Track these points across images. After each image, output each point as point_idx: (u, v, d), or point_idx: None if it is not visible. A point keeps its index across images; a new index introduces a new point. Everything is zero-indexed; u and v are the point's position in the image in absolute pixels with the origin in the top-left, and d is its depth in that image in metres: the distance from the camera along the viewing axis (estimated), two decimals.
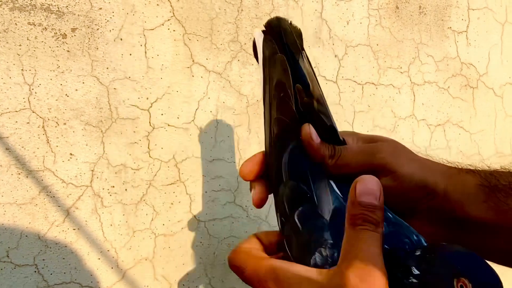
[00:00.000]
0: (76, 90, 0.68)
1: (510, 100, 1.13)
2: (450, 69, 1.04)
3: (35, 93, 0.65)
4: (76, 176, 0.68)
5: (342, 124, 0.90)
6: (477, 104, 1.07)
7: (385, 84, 0.95)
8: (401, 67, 0.97)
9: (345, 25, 0.90)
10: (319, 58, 0.87)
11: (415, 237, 0.34)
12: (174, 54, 0.75)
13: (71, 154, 0.67)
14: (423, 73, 1.00)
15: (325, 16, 0.88)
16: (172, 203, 0.75)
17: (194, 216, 0.76)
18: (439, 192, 0.38)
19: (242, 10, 0.80)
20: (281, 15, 0.83)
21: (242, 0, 0.80)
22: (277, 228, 0.40)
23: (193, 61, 0.76)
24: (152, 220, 0.73)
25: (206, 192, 0.77)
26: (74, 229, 0.67)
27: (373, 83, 0.93)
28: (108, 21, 0.70)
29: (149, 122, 0.73)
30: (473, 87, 1.07)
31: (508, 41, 1.13)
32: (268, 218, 0.83)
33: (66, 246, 0.66)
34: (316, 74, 0.87)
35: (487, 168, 0.39)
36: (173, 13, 0.75)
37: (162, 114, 0.74)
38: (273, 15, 0.83)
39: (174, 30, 0.75)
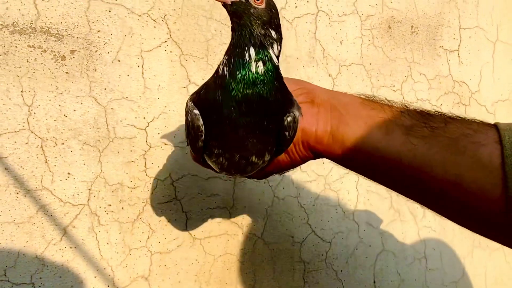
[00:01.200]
0: (75, 110, 0.69)
1: (502, 117, 1.15)
2: (443, 87, 1.06)
3: (34, 113, 0.66)
4: (73, 195, 0.69)
5: None
6: None
7: None
8: (394, 86, 0.99)
9: (338, 45, 0.92)
10: (313, 77, 0.89)
11: None
12: (171, 75, 0.77)
13: (68, 173, 0.68)
14: (415, 91, 1.02)
15: (319, 36, 0.90)
16: (168, 221, 0.76)
17: (190, 233, 0.77)
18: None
19: None
20: None
21: None
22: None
23: (189, 81, 0.78)
24: (148, 238, 0.74)
25: (201, 209, 0.78)
26: (71, 248, 0.68)
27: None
28: (106, 43, 0.72)
29: (146, 141, 0.74)
30: (466, 105, 1.09)
31: (499, 59, 1.15)
32: (264, 235, 0.84)
33: (63, 265, 0.67)
34: None
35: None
36: (170, 35, 0.77)
37: (158, 133, 0.75)
38: None
39: (171, 51, 0.77)
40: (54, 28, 0.68)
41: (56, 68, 0.68)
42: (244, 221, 0.82)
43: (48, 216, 0.67)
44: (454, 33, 1.08)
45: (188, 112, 0.51)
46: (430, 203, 0.50)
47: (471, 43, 1.11)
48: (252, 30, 0.46)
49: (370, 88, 0.95)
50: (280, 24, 0.49)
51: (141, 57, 0.74)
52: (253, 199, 0.83)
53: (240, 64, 0.45)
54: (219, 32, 0.81)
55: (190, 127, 0.50)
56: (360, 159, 0.51)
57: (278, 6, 0.85)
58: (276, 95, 0.47)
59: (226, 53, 0.47)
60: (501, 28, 1.16)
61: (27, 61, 0.66)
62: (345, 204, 0.93)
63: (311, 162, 0.60)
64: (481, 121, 0.48)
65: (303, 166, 0.87)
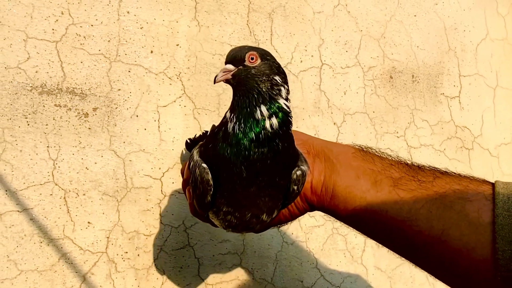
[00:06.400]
0: (95, 163, 0.74)
1: (506, 160, 1.17)
2: (445, 132, 1.10)
3: (59, 167, 0.72)
4: (92, 243, 0.73)
5: None
6: (473, 164, 1.12)
7: (383, 148, 1.00)
8: (397, 132, 1.03)
9: (342, 95, 0.97)
10: (319, 126, 0.94)
11: None
12: (185, 127, 0.82)
13: (89, 222, 0.73)
14: (419, 136, 1.06)
15: (324, 88, 0.95)
16: (181, 267, 0.79)
17: (202, 279, 0.80)
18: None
19: None
20: None
21: None
22: None
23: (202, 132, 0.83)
24: (162, 284, 0.77)
25: (213, 255, 0.82)
26: None
27: (371, 148, 0.99)
28: (126, 100, 0.78)
29: (161, 190, 0.79)
30: (469, 149, 1.12)
31: (500, 104, 1.19)
32: (274, 280, 0.86)
33: None
34: None
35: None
36: (184, 91, 0.82)
37: (173, 183, 0.80)
38: None
39: (185, 106, 0.82)
40: (79, 88, 0.74)
41: (80, 125, 0.74)
42: (254, 266, 0.85)
43: (69, 263, 0.71)
44: (454, 80, 1.13)
45: (195, 166, 0.48)
46: (416, 259, 0.49)
47: (471, 90, 1.15)
48: (260, 89, 0.44)
49: (374, 135, 0.99)
50: (279, 64, 0.47)
51: (158, 112, 0.80)
52: (262, 244, 0.86)
53: (253, 123, 0.44)
54: (230, 87, 0.86)
55: (198, 182, 0.47)
56: (348, 208, 0.50)
57: (285, 61, 0.91)
58: (288, 149, 0.46)
59: (232, 111, 0.46)
60: (500, 74, 1.21)
61: (53, 119, 0.72)
62: (353, 248, 0.95)
63: None
64: (474, 177, 0.46)
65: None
